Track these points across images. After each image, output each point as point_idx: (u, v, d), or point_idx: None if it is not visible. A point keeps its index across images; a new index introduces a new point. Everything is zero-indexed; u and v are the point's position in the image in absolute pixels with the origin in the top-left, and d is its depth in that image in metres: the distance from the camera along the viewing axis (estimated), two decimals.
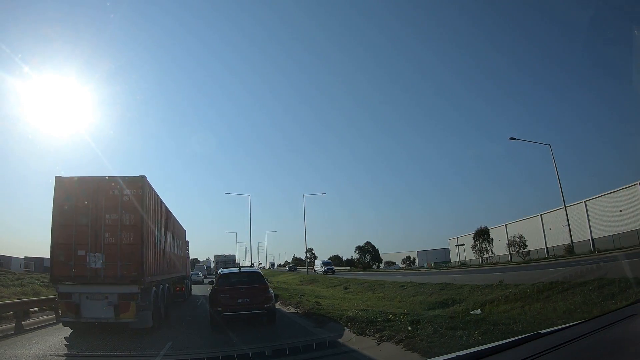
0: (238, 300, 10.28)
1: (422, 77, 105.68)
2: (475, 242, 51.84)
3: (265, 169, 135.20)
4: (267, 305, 10.42)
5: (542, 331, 2.63)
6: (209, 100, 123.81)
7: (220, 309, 10.14)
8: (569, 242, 38.84)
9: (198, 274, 41.85)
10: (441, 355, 2.73)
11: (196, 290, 24.29)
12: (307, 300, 14.58)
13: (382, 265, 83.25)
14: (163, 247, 12.19)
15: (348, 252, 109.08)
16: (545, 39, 75.14)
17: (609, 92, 72.08)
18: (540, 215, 50.24)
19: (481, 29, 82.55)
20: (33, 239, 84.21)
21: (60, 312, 9.83)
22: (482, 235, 51.68)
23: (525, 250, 44.74)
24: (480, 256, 51.30)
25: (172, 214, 14.96)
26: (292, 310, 13.45)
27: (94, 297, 9.14)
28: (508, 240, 49.06)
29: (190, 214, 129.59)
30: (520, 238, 46.07)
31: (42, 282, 25.11)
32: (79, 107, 46.06)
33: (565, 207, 32.01)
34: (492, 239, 50.83)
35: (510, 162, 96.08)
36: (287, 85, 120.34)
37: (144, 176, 9.63)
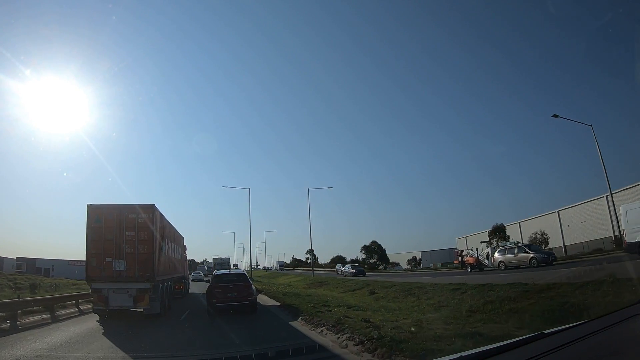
0: (228, 295, 13.61)
1: (415, 77, 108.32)
2: (490, 240, 47.96)
3: (266, 168, 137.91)
4: (250, 299, 13.95)
5: (545, 331, 2.67)
6: (210, 100, 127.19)
7: (214, 301, 13.55)
8: (589, 239, 39.50)
9: (199, 273, 50.35)
10: (445, 355, 2.77)
11: (197, 287, 27.81)
12: (347, 317, 9.81)
13: (387, 267, 78.56)
14: (166, 254, 16.10)
15: (350, 253, 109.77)
16: (544, 37, 76.37)
17: (611, 89, 73.64)
18: (558, 211, 47.87)
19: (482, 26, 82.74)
20: (27, 239, 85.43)
21: (93, 302, 13.47)
22: (499, 232, 48.26)
23: (547, 247, 42.06)
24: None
25: (173, 226, 18.80)
26: (333, 335, 8.38)
27: (118, 291, 12.95)
28: (519, 238, 46.42)
29: (189, 214, 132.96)
30: (542, 235, 43.48)
31: (17, 283, 25.18)
32: (78, 108, 46.24)
33: (612, 195, 29.64)
34: (508, 236, 47.32)
35: (519, 160, 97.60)
36: (288, 85, 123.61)
37: (154, 204, 13.69)
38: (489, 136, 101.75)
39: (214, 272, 18.22)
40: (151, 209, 13.63)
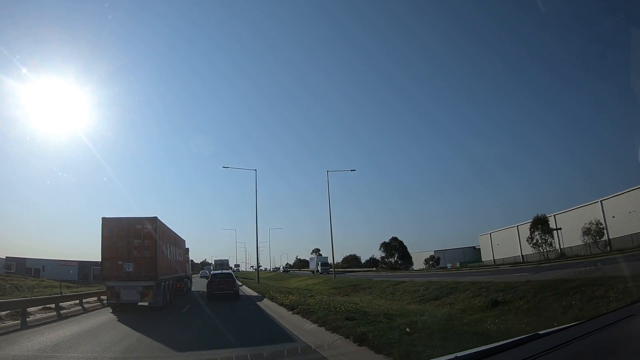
0: (220, 286, 21.27)
1: (410, 79, 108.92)
2: (531, 234, 44.58)
3: (262, 170, 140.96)
4: (234, 289, 21.71)
5: (540, 332, 2.71)
6: (207, 101, 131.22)
7: (211, 290, 21.18)
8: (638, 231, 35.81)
9: (206, 272, 60.87)
10: (441, 356, 2.82)
11: (201, 285, 30.78)
12: None
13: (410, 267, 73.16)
14: (168, 257, 19.19)
15: (364, 252, 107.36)
16: (537, 41, 77.84)
17: (603, 93, 74.91)
18: (600, 201, 43.69)
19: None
20: (21, 238, 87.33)
21: (106, 297, 16.33)
22: (540, 224, 43.82)
23: (602, 239, 39.37)
24: (539, 250, 44.34)
25: (174, 232, 21.95)
26: None
27: (128, 288, 15.96)
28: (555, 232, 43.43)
29: (188, 214, 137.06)
30: (597, 225, 39.62)
31: None
32: (77, 108, 46.83)
33: None
34: (552, 229, 43.47)
35: (511, 161, 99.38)
36: (282, 87, 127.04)
37: (156, 216, 16.96)
38: (481, 138, 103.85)
39: (212, 272, 26.37)
40: (154, 220, 16.58)
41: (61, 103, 39.77)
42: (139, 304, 16.63)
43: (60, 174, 74.89)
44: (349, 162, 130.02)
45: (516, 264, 42.73)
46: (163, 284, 17.56)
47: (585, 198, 44.39)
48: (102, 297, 19.70)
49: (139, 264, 16.24)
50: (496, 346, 2.54)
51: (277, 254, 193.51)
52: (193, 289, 30.37)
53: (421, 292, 16.74)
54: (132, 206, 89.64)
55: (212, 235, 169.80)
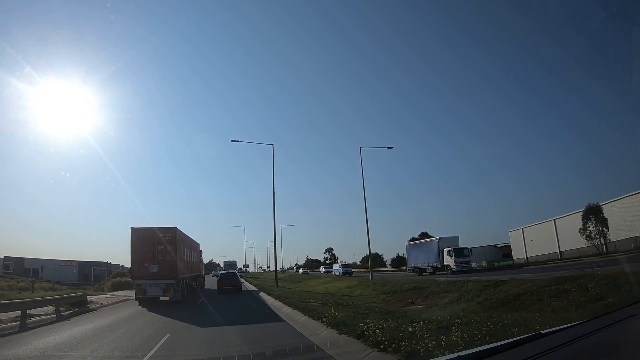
0: (226, 283, 27.54)
1: (409, 80, 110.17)
2: (585, 225, 41.19)
3: (263, 172, 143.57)
4: (238, 285, 28.08)
5: (542, 331, 2.74)
6: (213, 100, 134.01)
7: (221, 285, 27.43)
8: None
9: (217, 272, 68.65)
10: (442, 355, 3.01)
11: (214, 282, 33.91)
12: None
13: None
14: (186, 259, 22.77)
15: (386, 252, 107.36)
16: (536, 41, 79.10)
17: (600, 94, 74.58)
18: None
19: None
20: (14, 238, 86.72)
21: (135, 293, 19.78)
22: (595, 214, 40.25)
23: None
24: (592, 243, 40.83)
25: (190, 238, 25.72)
26: None
27: (153, 285, 19.54)
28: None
29: (194, 213, 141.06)
30: None
31: None
32: (83, 109, 48.71)
33: None
34: (606, 219, 39.50)
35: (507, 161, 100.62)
36: (282, 87, 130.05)
37: (176, 226, 20.41)
38: (481, 138, 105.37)
39: (221, 272, 32.87)
40: (174, 229, 20.06)
41: (68, 104, 41.66)
42: (161, 298, 20.18)
43: (63, 173, 76.74)
44: (350, 163, 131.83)
45: (599, 254, 36.50)
46: (182, 282, 21.08)
47: (586, 198, 43.49)
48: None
49: (162, 265, 19.76)
50: (498, 345, 2.59)
51: (285, 255, 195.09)
52: (206, 287, 34.12)
53: (574, 292, 10.76)
54: (136, 206, 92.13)
55: (217, 235, 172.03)
